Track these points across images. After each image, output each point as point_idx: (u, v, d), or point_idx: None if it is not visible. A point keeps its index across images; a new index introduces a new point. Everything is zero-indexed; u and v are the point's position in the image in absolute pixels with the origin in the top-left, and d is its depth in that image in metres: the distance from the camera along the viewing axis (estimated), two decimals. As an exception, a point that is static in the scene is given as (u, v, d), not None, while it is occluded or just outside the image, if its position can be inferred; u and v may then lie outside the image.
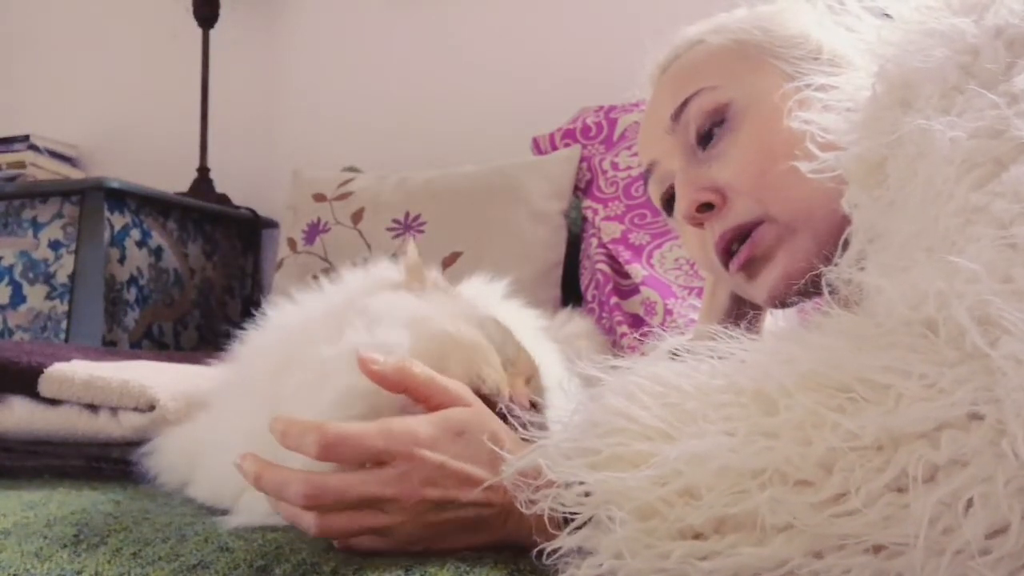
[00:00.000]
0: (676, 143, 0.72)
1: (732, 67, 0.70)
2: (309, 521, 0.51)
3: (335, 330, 0.63)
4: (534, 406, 0.63)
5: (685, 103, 0.71)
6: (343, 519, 0.51)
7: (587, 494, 0.46)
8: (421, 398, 0.55)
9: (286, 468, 0.52)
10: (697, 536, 0.43)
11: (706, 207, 0.68)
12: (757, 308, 0.81)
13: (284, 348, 0.66)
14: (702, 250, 0.72)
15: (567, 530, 0.47)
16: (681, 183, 0.70)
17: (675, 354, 0.54)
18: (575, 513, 0.47)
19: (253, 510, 0.59)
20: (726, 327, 0.54)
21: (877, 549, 0.39)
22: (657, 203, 0.78)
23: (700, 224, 0.69)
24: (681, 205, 0.69)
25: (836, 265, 0.54)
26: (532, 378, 0.66)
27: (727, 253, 0.68)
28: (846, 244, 0.55)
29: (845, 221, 0.55)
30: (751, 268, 0.68)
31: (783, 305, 0.68)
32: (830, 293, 0.54)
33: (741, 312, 0.78)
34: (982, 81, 0.48)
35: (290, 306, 0.72)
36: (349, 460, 0.51)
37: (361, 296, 0.67)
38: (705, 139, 0.70)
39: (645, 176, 0.78)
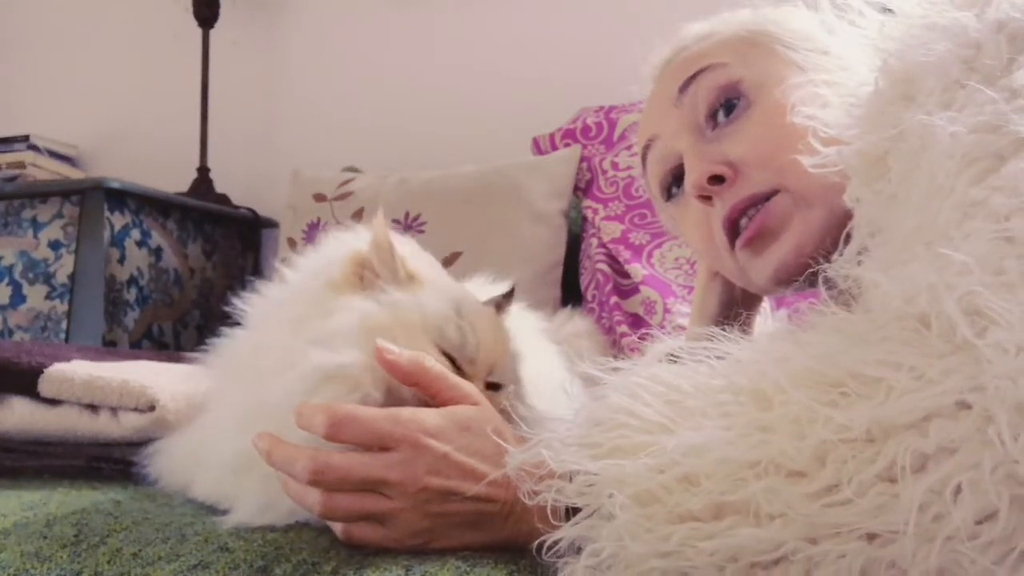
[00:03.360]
0: (682, 120, 0.71)
1: (743, 50, 0.70)
2: (314, 498, 0.52)
3: (295, 327, 0.63)
4: (494, 387, 0.64)
5: (694, 76, 0.70)
6: (347, 500, 0.52)
7: (589, 485, 0.47)
8: (432, 392, 0.56)
9: (294, 445, 0.53)
10: (696, 521, 0.44)
11: (717, 180, 0.67)
12: (751, 308, 0.80)
13: (252, 341, 0.67)
14: (705, 231, 0.71)
15: (571, 521, 0.47)
16: (690, 157, 0.69)
17: (673, 357, 0.54)
18: (577, 508, 0.47)
19: (250, 505, 0.59)
20: (722, 330, 0.54)
21: (870, 537, 0.40)
22: (655, 185, 0.76)
23: (709, 199, 0.68)
24: (691, 177, 0.68)
25: (838, 258, 0.54)
26: (495, 367, 0.65)
27: (734, 228, 0.67)
28: (847, 238, 0.55)
29: (852, 213, 0.56)
30: (759, 242, 0.66)
31: (785, 285, 0.67)
32: (827, 288, 0.54)
33: (731, 317, 0.77)
34: (983, 76, 0.48)
35: (257, 298, 0.71)
36: (356, 440, 0.52)
37: (319, 284, 0.65)
38: (714, 118, 0.69)
39: (643, 153, 0.76)
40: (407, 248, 0.70)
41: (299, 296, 0.66)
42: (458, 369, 0.62)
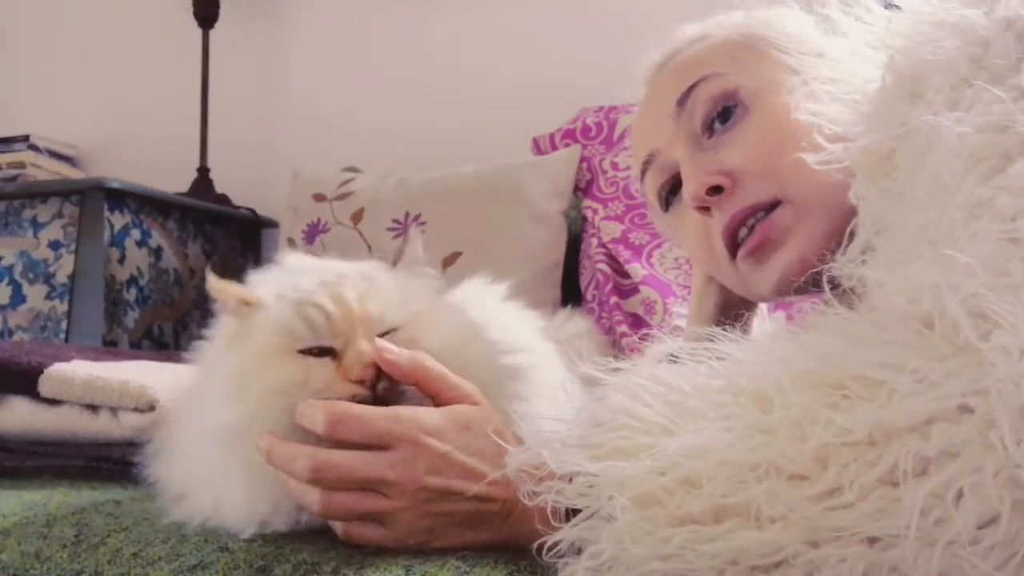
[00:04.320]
0: (679, 130, 0.70)
1: (739, 56, 0.70)
2: (314, 497, 0.52)
3: None
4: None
5: (692, 88, 0.70)
6: (346, 499, 0.52)
7: (590, 486, 0.47)
8: (432, 392, 0.56)
9: (294, 444, 0.53)
10: (696, 524, 0.43)
11: (716, 190, 0.66)
12: (748, 309, 0.80)
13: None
14: (704, 241, 0.70)
15: (571, 523, 0.47)
16: (687, 167, 0.68)
17: (674, 357, 0.54)
18: (577, 508, 0.47)
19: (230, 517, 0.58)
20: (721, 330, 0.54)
21: (872, 541, 0.40)
22: (653, 196, 0.76)
23: (707, 209, 0.68)
24: (689, 188, 0.68)
25: (843, 256, 0.54)
26: (377, 319, 0.59)
27: (734, 238, 0.67)
28: (851, 236, 0.55)
29: (855, 212, 0.55)
30: (762, 252, 0.66)
31: (789, 294, 0.67)
32: (831, 288, 0.54)
33: (729, 319, 0.76)
34: (992, 74, 0.48)
35: (205, 344, 0.68)
36: (355, 438, 0.52)
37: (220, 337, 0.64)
38: (711, 126, 0.69)
39: (643, 169, 0.75)
40: (282, 264, 0.67)
41: (208, 349, 0.65)
42: (332, 351, 0.57)
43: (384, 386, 0.56)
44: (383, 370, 0.55)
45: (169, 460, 0.63)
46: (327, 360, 0.57)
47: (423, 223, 1.55)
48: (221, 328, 0.63)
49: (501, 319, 0.72)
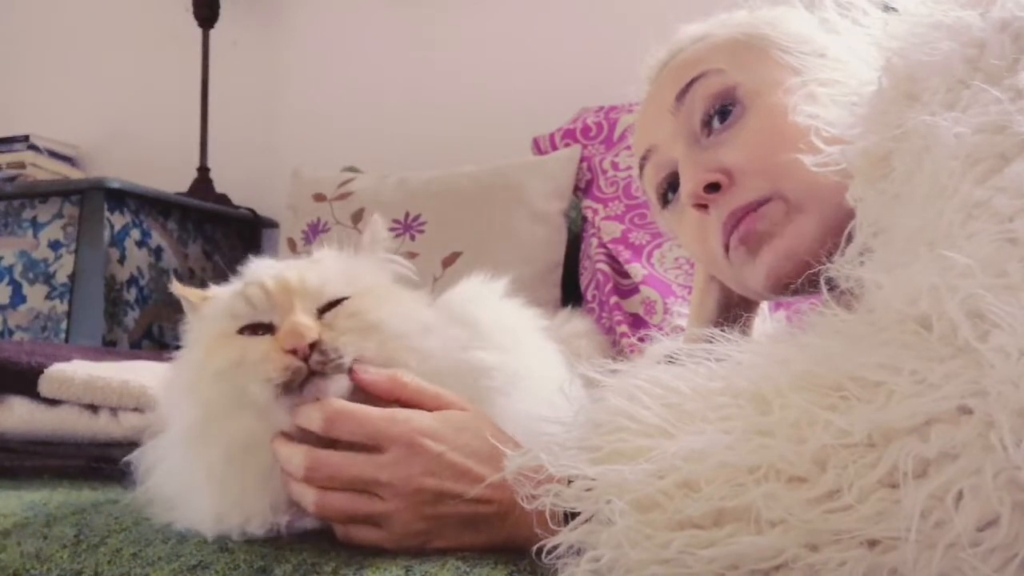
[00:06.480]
0: (678, 127, 0.70)
1: (739, 55, 0.70)
2: (310, 497, 0.53)
3: None
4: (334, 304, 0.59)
5: (690, 83, 0.70)
6: (340, 499, 0.53)
7: (588, 490, 0.47)
8: (415, 405, 0.56)
9: (293, 443, 0.54)
10: (696, 528, 0.43)
11: (713, 188, 0.66)
12: (747, 311, 0.80)
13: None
14: (702, 238, 0.70)
15: (569, 526, 0.47)
16: (686, 165, 0.69)
17: (672, 358, 0.54)
18: (576, 511, 0.47)
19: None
20: (721, 331, 0.54)
21: (871, 543, 0.40)
22: (651, 192, 0.76)
23: (704, 206, 0.68)
24: (687, 186, 0.68)
25: (841, 257, 0.54)
26: (315, 292, 0.59)
27: (730, 236, 0.67)
28: (849, 238, 0.55)
29: (852, 214, 0.55)
30: (753, 242, 0.66)
31: (781, 290, 0.67)
32: (829, 289, 0.54)
33: (730, 319, 0.76)
34: (988, 75, 0.47)
35: None
36: (350, 436, 0.52)
37: None
38: (709, 125, 0.69)
39: (641, 164, 0.75)
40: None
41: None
42: (272, 327, 0.57)
43: (318, 359, 0.54)
44: (316, 346, 0.54)
45: (153, 473, 0.63)
46: (266, 337, 0.57)
47: (423, 223, 1.55)
48: (187, 329, 0.67)
49: (503, 318, 0.72)
